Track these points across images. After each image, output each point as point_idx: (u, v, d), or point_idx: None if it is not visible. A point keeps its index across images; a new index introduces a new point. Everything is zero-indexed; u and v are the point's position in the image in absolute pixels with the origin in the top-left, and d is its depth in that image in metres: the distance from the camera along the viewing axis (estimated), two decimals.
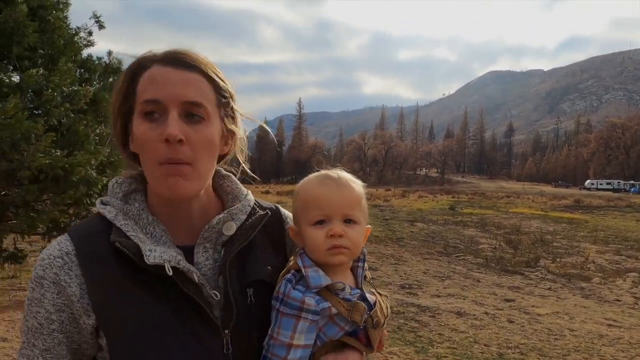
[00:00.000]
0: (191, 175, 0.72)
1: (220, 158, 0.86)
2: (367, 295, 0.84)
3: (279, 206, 0.95)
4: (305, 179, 0.87)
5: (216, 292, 0.74)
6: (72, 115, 7.56)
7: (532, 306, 6.99)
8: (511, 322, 5.92)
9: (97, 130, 8.10)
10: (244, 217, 0.82)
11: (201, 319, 0.73)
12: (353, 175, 0.89)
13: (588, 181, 76.62)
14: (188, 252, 0.76)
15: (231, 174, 0.90)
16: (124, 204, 0.77)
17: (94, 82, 8.68)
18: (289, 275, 0.80)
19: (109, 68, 8.84)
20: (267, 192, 34.91)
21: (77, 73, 8.71)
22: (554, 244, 13.85)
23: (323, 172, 0.87)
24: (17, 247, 7.70)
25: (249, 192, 0.89)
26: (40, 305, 0.71)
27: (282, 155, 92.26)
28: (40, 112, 7.16)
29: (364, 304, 0.79)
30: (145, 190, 0.81)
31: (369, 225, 0.87)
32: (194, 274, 0.72)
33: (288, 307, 0.77)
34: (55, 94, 7.47)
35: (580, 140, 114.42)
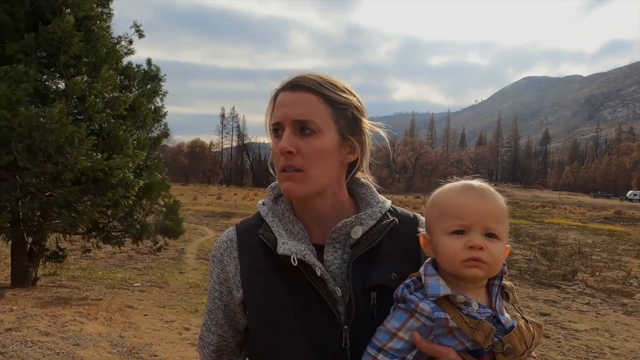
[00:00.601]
0: (302, 179, 0.84)
1: (352, 165, 0.94)
2: (502, 317, 0.79)
3: (418, 215, 0.96)
4: (442, 187, 0.85)
5: (340, 289, 0.81)
6: (113, 120, 7.88)
7: (569, 321, 6.71)
8: (547, 337, 5.71)
9: (135, 135, 8.42)
10: (372, 222, 0.87)
11: (324, 312, 0.80)
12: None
13: (630, 192, 72.98)
14: (321, 250, 0.86)
15: (369, 183, 0.97)
16: (273, 204, 0.92)
17: (133, 89, 9.04)
18: (408, 281, 0.81)
19: (148, 75, 9.17)
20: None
21: (118, 80, 9.09)
22: (593, 257, 13.25)
23: (463, 181, 0.85)
24: (58, 246, 8.06)
25: (386, 200, 0.94)
26: (211, 277, 0.92)
27: None
28: (83, 117, 7.50)
29: (491, 325, 0.75)
30: None
31: (508, 245, 0.82)
32: (318, 268, 0.80)
33: (405, 305, 0.78)
34: (98, 100, 7.81)
35: (621, 149, 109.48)
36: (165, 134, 9.53)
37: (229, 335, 0.93)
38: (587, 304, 8.12)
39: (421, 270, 0.83)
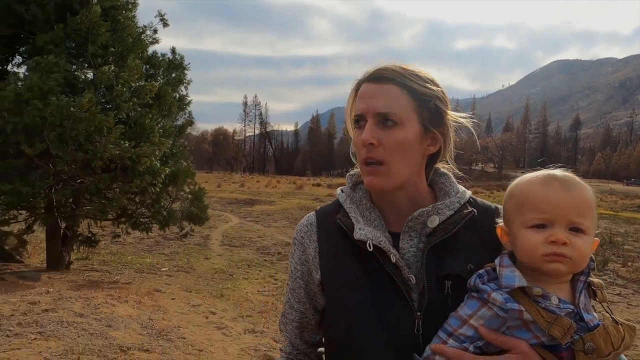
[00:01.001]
0: (383, 173, 0.85)
1: (433, 157, 0.95)
2: (587, 315, 0.75)
3: (500, 207, 0.92)
4: (522, 177, 0.81)
5: (413, 277, 0.82)
6: (139, 109, 8.03)
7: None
8: None
9: (161, 123, 8.57)
10: (449, 212, 0.87)
11: (398, 298, 0.82)
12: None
13: None
14: (397, 238, 0.87)
15: (449, 173, 0.98)
16: (352, 191, 0.95)
17: (159, 78, 9.17)
18: (481, 271, 0.80)
19: (172, 64, 9.28)
20: (318, 185, 35.20)
21: (144, 69, 9.24)
22: (625, 246, 12.82)
23: (545, 171, 0.79)
24: (90, 231, 8.35)
25: (466, 190, 0.94)
26: (292, 258, 0.97)
27: (333, 149, 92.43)
28: (111, 106, 7.67)
29: (571, 322, 0.71)
30: None
31: (596, 238, 0.78)
32: (392, 255, 0.82)
33: (478, 294, 0.78)
34: (125, 89, 7.96)
35: None
36: (190, 122, 9.66)
37: (309, 313, 0.98)
38: (619, 294, 7.89)
39: (496, 260, 0.80)
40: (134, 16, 9.04)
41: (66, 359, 3.37)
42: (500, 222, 0.86)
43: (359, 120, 0.88)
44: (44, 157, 7.06)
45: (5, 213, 7.34)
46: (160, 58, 9.83)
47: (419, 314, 0.82)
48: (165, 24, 10.12)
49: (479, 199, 0.97)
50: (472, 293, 0.80)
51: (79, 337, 3.84)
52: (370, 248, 0.83)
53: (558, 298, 0.75)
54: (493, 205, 0.97)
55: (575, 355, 0.72)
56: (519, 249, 0.78)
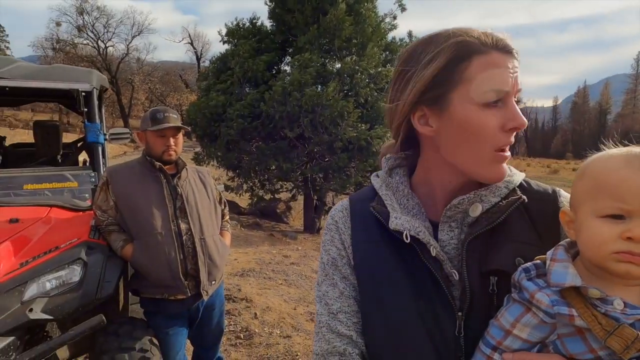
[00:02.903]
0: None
1: None
2: None
3: (559, 190, 0.81)
4: (602, 154, 0.66)
5: (456, 272, 0.74)
6: (375, 93, 8.70)
7: None
8: None
9: None
10: (495, 199, 0.76)
11: (438, 295, 0.74)
12: None
13: None
14: (437, 229, 0.79)
15: None
16: (387, 176, 0.86)
17: (395, 62, 9.66)
18: (529, 264, 0.69)
19: None
20: (555, 172, 29.51)
21: (383, 56, 9.87)
22: None
23: (634, 149, 0.65)
24: (334, 203, 9.71)
25: (517, 173, 0.81)
26: (332, 244, 0.86)
27: (605, 126, 75.89)
28: (351, 93, 8.61)
29: (638, 333, 0.58)
30: (409, 166, 0.88)
31: None
32: (432, 247, 0.74)
33: (520, 295, 0.67)
34: (363, 76, 8.74)
35: None
36: None
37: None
38: None
39: (548, 253, 0.66)
40: (374, 7, 9.72)
41: (299, 304, 4.11)
42: (565, 205, 0.72)
43: (497, 100, 0.71)
44: (300, 139, 8.56)
45: (275, 184, 9.33)
46: (398, 43, 10.25)
47: (460, 314, 0.72)
48: (403, 9, 10.46)
49: (533, 182, 0.80)
50: (514, 293, 0.66)
51: (311, 289, 4.60)
52: (407, 239, 0.74)
53: (624, 302, 0.59)
54: (550, 188, 0.80)
55: None
56: (584, 241, 0.62)
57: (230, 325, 3.39)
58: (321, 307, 0.84)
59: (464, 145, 0.74)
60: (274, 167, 9.00)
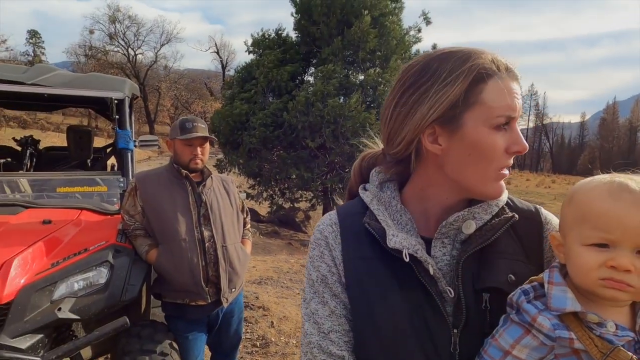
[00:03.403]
0: None
1: None
2: None
3: (540, 208, 0.86)
4: (589, 181, 0.68)
5: (451, 289, 0.74)
6: None
7: None
8: None
9: None
10: (487, 217, 0.78)
11: (433, 312, 0.74)
12: None
13: None
14: (428, 244, 0.79)
15: None
16: (378, 190, 0.84)
17: (402, 71, 9.67)
18: (527, 286, 0.71)
19: None
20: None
21: None
22: None
23: (616, 178, 0.66)
24: None
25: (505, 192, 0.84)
26: (322, 260, 0.82)
27: (635, 144, 73.58)
28: (373, 104, 8.64)
29: (632, 355, 0.61)
30: (398, 180, 0.87)
31: None
32: (430, 265, 0.74)
33: (519, 317, 0.69)
34: (386, 88, 8.76)
35: None
36: None
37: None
38: None
39: (545, 276, 0.68)
40: (399, 19, 9.77)
41: None
42: (554, 229, 0.77)
43: (506, 123, 0.73)
44: (321, 149, 8.61)
45: (295, 193, 9.38)
46: None
47: (455, 330, 0.73)
48: (428, 22, 10.47)
49: (517, 200, 0.84)
50: (512, 314, 0.68)
51: None
52: (406, 259, 0.74)
53: (615, 324, 0.63)
54: (533, 206, 0.85)
55: None
56: (572, 267, 0.66)
57: (247, 333, 3.42)
58: (310, 327, 0.81)
59: (472, 164, 0.75)
60: (294, 176, 9.08)
